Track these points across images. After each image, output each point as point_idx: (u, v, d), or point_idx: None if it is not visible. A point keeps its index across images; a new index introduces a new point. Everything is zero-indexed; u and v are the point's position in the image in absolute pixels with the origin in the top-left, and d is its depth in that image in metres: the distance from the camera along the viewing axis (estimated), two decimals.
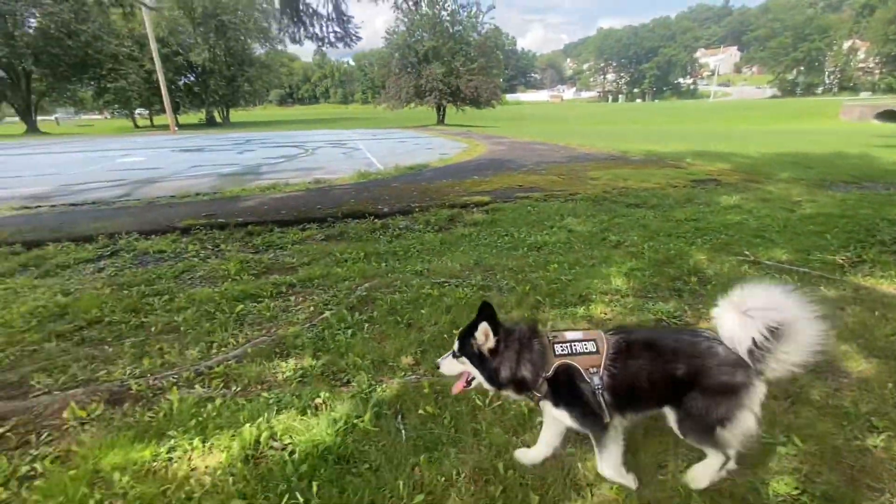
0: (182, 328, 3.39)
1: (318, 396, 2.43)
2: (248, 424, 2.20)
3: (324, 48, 5.50)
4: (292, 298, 3.90)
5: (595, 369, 1.68)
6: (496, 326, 1.73)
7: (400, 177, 9.71)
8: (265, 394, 2.50)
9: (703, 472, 1.79)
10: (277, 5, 4.97)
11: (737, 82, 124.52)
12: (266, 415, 2.27)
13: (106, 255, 5.17)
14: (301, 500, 1.77)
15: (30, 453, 2.09)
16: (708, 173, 9.26)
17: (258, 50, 52.56)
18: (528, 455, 1.96)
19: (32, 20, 38.51)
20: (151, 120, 54.13)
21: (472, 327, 1.74)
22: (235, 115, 59.31)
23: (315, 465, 1.95)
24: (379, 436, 2.15)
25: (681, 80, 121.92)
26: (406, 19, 35.37)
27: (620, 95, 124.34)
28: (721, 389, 1.60)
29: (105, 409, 2.37)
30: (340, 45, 5.48)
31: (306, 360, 2.86)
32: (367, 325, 3.31)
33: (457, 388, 1.87)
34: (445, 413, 2.29)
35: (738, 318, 1.57)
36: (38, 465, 1.99)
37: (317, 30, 5.31)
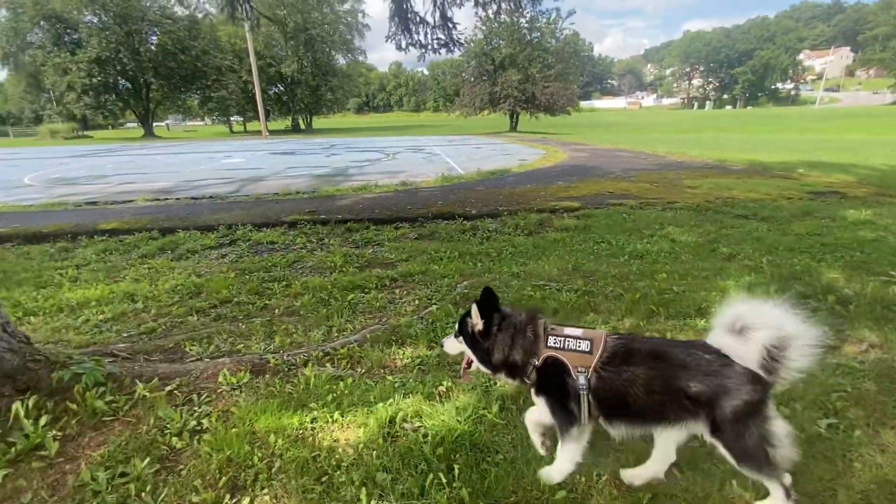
0: (301, 312, 3.65)
1: (441, 385, 2.50)
2: (380, 404, 2.31)
3: (426, 55, 5.73)
4: (396, 291, 4.06)
5: (584, 369, 1.64)
6: (490, 310, 1.77)
7: (483, 181, 9.79)
8: (389, 377, 2.62)
9: None
10: (388, 14, 5.23)
11: (849, 87, 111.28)
12: (395, 397, 2.38)
13: (226, 243, 5.71)
14: (444, 480, 1.83)
15: (194, 410, 2.34)
16: (827, 185, 8.35)
17: (340, 61, 55.59)
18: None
19: (154, 38, 43.82)
20: (244, 126, 59.27)
21: (468, 312, 1.81)
22: (317, 121, 63.06)
23: (451, 450, 2.00)
24: (507, 429, 2.16)
25: (779, 84, 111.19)
26: (484, 27, 35.72)
27: (707, 102, 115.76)
28: (745, 410, 1.52)
29: (250, 379, 2.61)
30: (443, 51, 5.66)
31: (421, 350, 2.95)
32: None
33: (463, 370, 1.96)
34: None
35: (734, 341, 1.52)
36: (204, 422, 2.23)
37: (421, 37, 5.50)
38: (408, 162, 15.29)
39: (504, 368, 1.79)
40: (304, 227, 6.22)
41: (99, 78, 41.89)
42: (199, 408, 2.36)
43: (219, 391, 2.51)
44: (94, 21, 41.34)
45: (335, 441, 2.12)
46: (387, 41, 5.48)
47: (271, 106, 55.02)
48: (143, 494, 1.82)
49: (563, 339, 1.71)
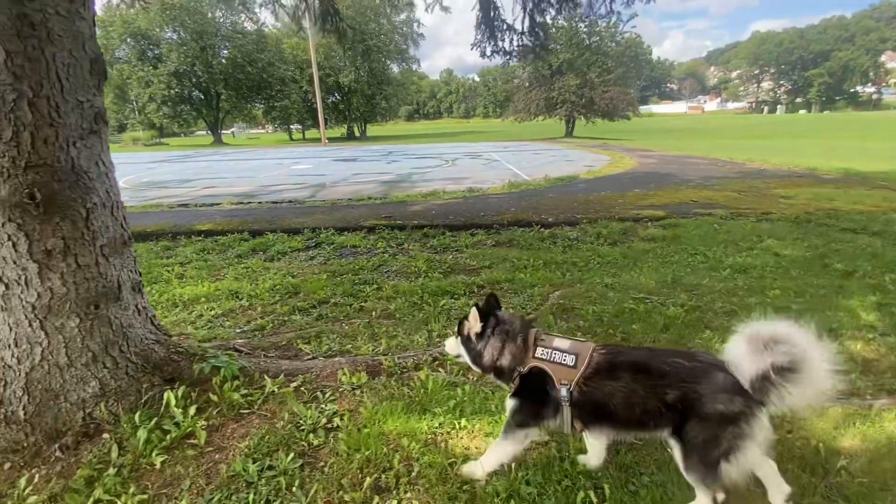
0: (397, 315, 3.70)
1: None
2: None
3: (511, 62, 5.72)
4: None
5: (567, 382, 1.70)
6: (488, 315, 1.87)
7: (552, 188, 9.62)
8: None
9: None
10: (476, 21, 5.26)
11: None
12: None
13: (312, 245, 5.93)
14: (593, 499, 1.75)
15: (322, 407, 2.40)
16: None
17: (394, 69, 56.84)
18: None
19: (225, 51, 46.88)
20: (303, 134, 61.95)
21: (466, 315, 1.92)
22: (371, 129, 64.78)
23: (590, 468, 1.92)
24: (646, 450, 2.05)
25: (859, 88, 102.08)
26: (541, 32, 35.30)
27: (779, 106, 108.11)
28: (720, 419, 1.54)
29: (368, 379, 2.65)
30: (530, 56, 5.62)
31: None
32: (577, 333, 3.25)
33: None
34: None
35: (749, 349, 1.51)
36: (336, 420, 2.29)
37: (505, 44, 5.48)
38: (469, 168, 15.34)
39: (493, 370, 1.89)
40: (383, 232, 6.35)
41: (176, 90, 45.37)
42: (326, 406, 2.42)
43: (340, 390, 2.57)
44: (174, 37, 44.88)
45: (466, 448, 2.09)
46: (472, 49, 5.53)
47: (328, 114, 57.08)
48: (293, 489, 1.87)
49: (550, 351, 1.78)
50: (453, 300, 4.00)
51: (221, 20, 46.15)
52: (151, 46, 46.89)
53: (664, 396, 1.59)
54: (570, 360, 1.74)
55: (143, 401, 2.26)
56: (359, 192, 9.97)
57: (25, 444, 2.01)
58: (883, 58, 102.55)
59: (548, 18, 5.27)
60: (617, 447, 2.01)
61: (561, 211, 7.10)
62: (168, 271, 4.97)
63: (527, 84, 39.90)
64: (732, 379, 1.53)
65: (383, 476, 1.93)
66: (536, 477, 1.88)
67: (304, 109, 53.40)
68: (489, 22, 5.20)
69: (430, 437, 2.16)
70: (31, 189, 1.86)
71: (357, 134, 59.51)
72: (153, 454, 2.02)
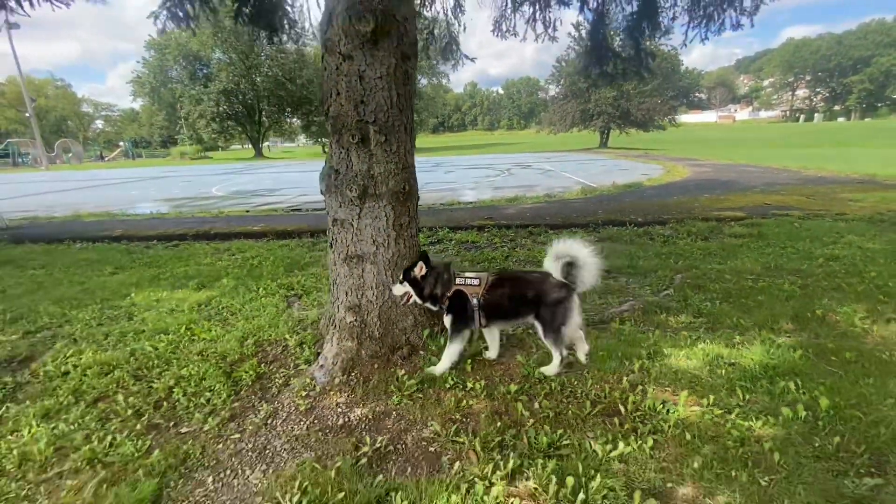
0: None
1: (735, 338, 3.27)
2: (695, 348, 3.12)
3: (615, 83, 6.63)
4: (621, 279, 4.87)
5: (475, 295, 2.76)
6: (426, 264, 2.81)
7: (623, 194, 10.43)
8: (684, 332, 3.41)
9: (552, 368, 2.81)
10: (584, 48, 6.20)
11: None
12: (700, 346, 3.17)
13: (434, 241, 6.88)
14: (792, 388, 2.58)
15: None
16: None
17: (422, 82, 58.38)
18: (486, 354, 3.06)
19: (268, 70, 49.40)
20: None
21: (412, 265, 2.83)
22: None
23: (776, 374, 2.75)
24: (814, 366, 2.85)
25: None
26: (578, 46, 36.25)
27: (816, 114, 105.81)
28: (556, 303, 2.70)
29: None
30: (634, 77, 6.50)
31: (685, 318, 3.74)
32: (717, 302, 4.05)
33: (404, 301, 2.94)
34: (863, 361, 2.90)
35: (550, 261, 2.80)
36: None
37: (609, 68, 6.38)
38: (529, 177, 16.26)
39: (430, 299, 2.84)
40: (492, 231, 7.27)
41: (224, 107, 48.20)
42: None
43: None
44: (223, 58, 47.75)
45: (682, 365, 2.94)
46: (576, 75, 6.43)
47: None
48: (573, 381, 2.77)
49: (464, 279, 2.82)
50: None
51: (265, 40, 48.68)
52: (201, 67, 50.00)
53: (527, 294, 2.76)
54: (476, 281, 2.79)
55: (435, 332, 3.23)
56: (442, 198, 11.01)
57: (380, 354, 2.99)
58: None
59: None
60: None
61: (646, 213, 7.90)
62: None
63: (562, 96, 40.86)
64: (559, 280, 2.73)
65: (631, 376, 2.81)
66: (730, 383, 2.71)
67: None
68: (598, 49, 6.11)
69: (648, 360, 3.03)
70: (405, 183, 2.86)
71: None
72: (465, 363, 2.97)
